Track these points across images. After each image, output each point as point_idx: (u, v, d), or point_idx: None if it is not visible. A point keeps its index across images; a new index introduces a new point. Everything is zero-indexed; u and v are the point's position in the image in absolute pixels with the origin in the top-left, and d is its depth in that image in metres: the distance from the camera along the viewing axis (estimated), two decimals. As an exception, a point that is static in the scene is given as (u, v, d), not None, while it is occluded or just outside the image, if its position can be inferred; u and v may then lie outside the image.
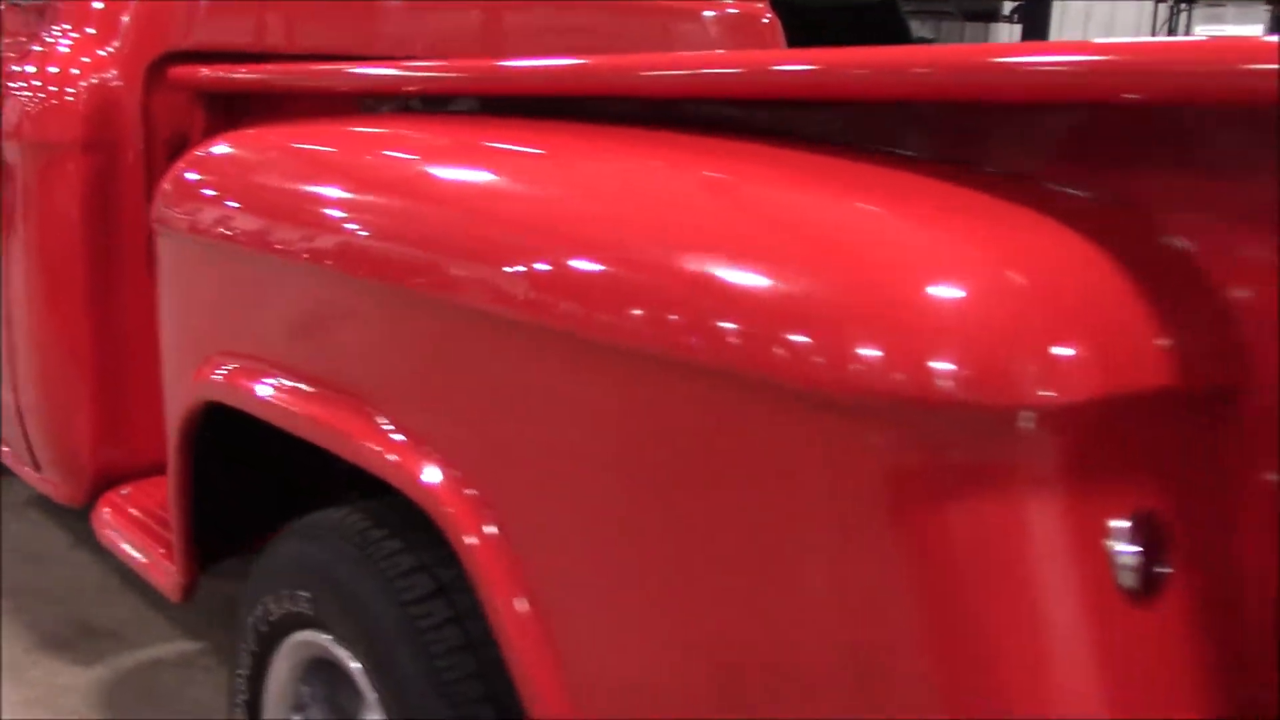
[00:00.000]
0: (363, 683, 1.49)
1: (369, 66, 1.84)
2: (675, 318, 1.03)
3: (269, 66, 2.14)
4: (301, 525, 1.62)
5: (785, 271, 0.99)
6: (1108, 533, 0.93)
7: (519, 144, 1.38)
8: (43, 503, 3.37)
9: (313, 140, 1.64)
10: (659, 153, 1.23)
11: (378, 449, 1.39)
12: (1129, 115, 1.03)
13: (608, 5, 3.00)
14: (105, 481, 2.38)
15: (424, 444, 1.35)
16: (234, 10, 2.43)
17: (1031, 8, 12.67)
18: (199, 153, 1.77)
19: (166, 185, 1.81)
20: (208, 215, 1.67)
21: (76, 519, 2.99)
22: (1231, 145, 0.98)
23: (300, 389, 1.52)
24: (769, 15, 3.23)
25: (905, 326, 0.92)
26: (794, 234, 1.02)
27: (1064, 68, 0.96)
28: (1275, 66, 0.83)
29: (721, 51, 1.22)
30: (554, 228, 1.17)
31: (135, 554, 2.10)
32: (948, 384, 0.90)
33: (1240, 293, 0.97)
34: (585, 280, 1.12)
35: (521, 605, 1.24)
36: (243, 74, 2.11)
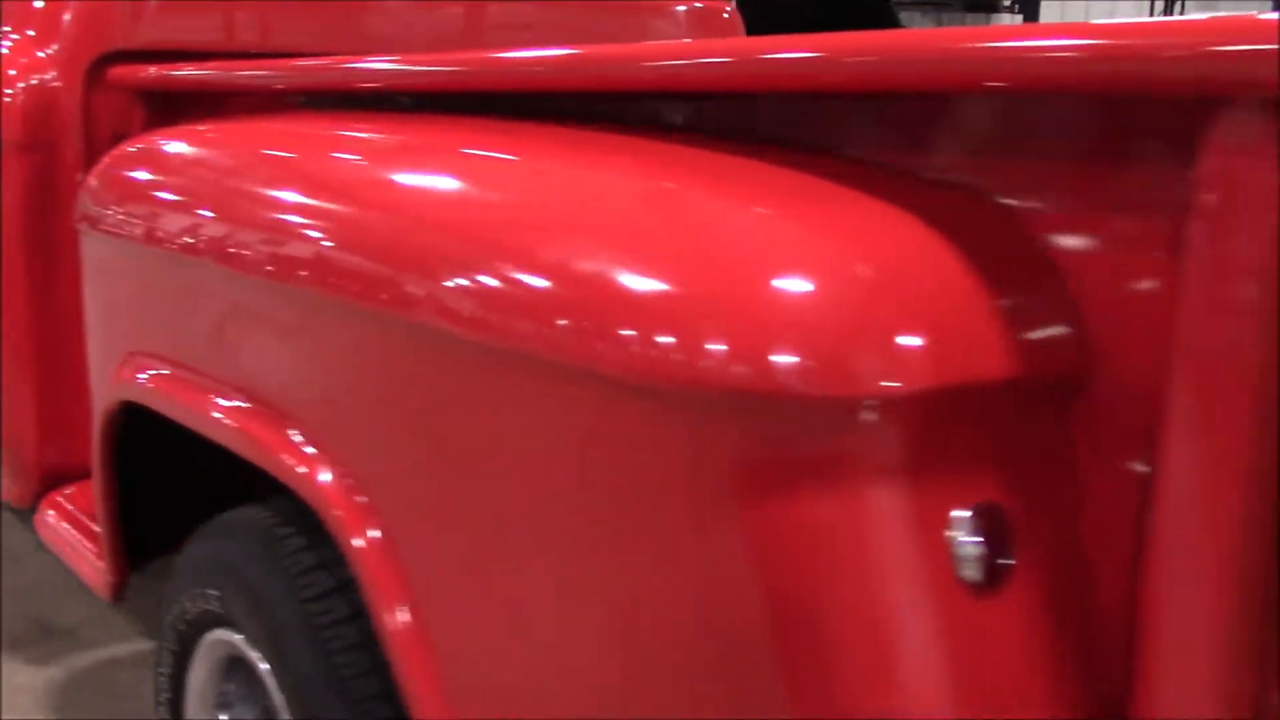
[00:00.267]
0: (270, 683, 1.49)
1: (299, 63, 1.84)
2: (535, 317, 1.02)
3: (202, 65, 2.14)
4: (214, 524, 1.62)
5: (634, 266, 0.98)
6: (949, 524, 0.92)
7: (426, 141, 1.38)
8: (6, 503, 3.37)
9: (224, 139, 1.63)
10: (519, 148, 1.22)
11: (271, 448, 1.39)
12: (978, 103, 1.02)
13: (582, 3, 2.99)
14: (51, 482, 2.38)
15: (315, 444, 1.35)
16: (182, 10, 2.43)
17: (1030, -2, 12.64)
18: (116, 153, 1.77)
19: (86, 184, 1.81)
20: (118, 214, 1.67)
21: (37, 519, 2.99)
22: (1080, 133, 0.97)
23: (202, 387, 1.52)
24: (729, 9, 3.22)
25: (747, 320, 0.91)
26: (643, 227, 1.01)
27: (913, 56, 0.95)
28: (1122, 51, 0.82)
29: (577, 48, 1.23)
30: (424, 230, 1.16)
31: (72, 553, 2.10)
32: (789, 377, 0.90)
33: (1089, 281, 0.96)
34: (451, 282, 1.11)
35: (403, 607, 1.24)
36: (176, 73, 2.10)
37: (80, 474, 2.39)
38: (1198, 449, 0.82)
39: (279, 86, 1.97)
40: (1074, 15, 12.58)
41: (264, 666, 1.50)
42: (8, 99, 2.23)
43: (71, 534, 2.14)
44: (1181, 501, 0.83)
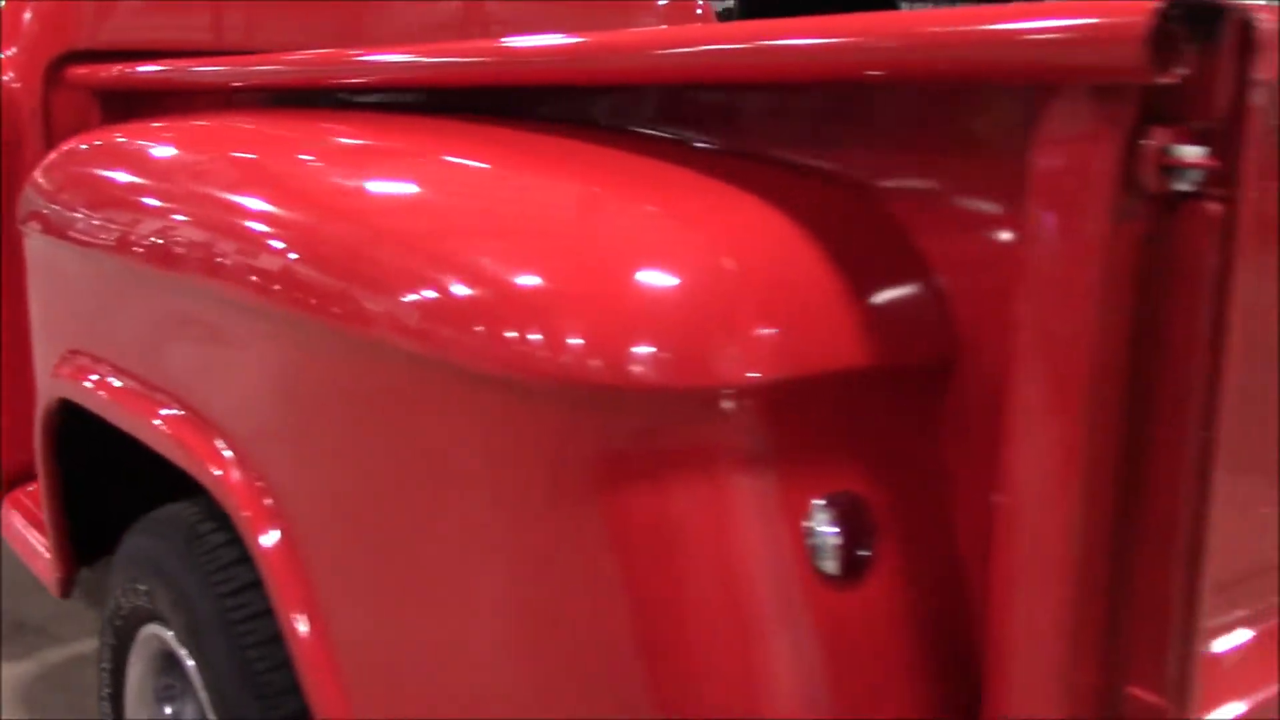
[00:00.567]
0: (194, 678, 1.50)
1: (244, 62, 1.84)
2: (407, 316, 1.03)
3: (153, 63, 2.15)
4: (145, 521, 1.63)
5: (502, 262, 0.98)
6: (806, 515, 0.92)
7: (342, 137, 1.38)
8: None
9: (155, 138, 1.64)
10: (395, 142, 1.23)
11: (190, 449, 1.39)
12: (842, 91, 1.01)
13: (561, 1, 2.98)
14: (18, 478, 2.39)
15: (231, 445, 1.35)
16: (144, 10, 2.44)
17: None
18: (55, 153, 1.78)
19: (29, 183, 1.82)
20: (50, 214, 1.69)
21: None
22: (938, 121, 0.96)
23: (125, 384, 1.53)
24: (701, 6, 3.22)
25: (604, 314, 0.91)
26: (509, 222, 1.01)
27: (775, 48, 0.95)
28: (968, 38, 0.82)
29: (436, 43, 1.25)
30: (306, 231, 1.16)
31: (27, 549, 2.12)
32: (645, 369, 0.90)
33: (953, 269, 0.96)
34: (330, 283, 1.11)
35: (303, 605, 1.24)
36: (128, 71, 2.11)
37: (43, 471, 2.41)
38: (1032, 438, 0.82)
39: (225, 85, 1.98)
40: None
41: (190, 663, 1.51)
42: (-34, 99, 2.25)
43: (28, 530, 2.16)
44: (1020, 486, 0.83)
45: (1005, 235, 0.91)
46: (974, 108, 0.92)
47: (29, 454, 2.39)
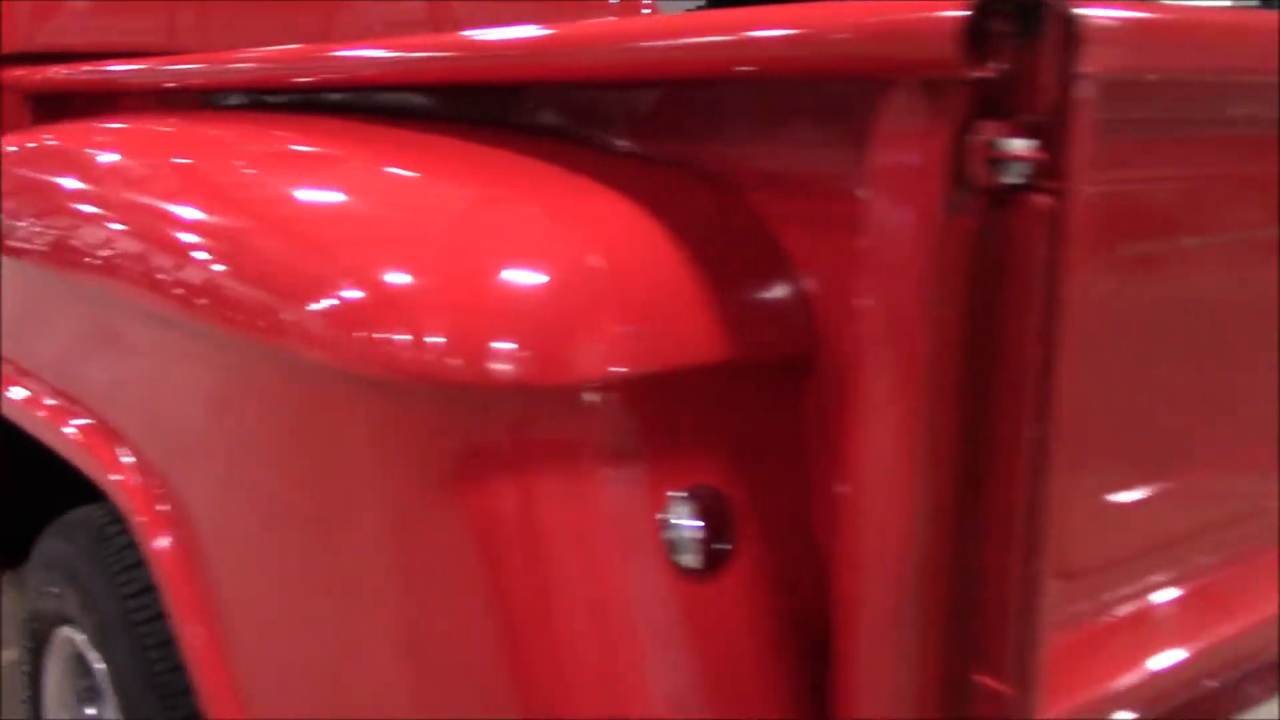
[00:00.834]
0: (102, 679, 1.50)
1: (169, 62, 1.84)
2: (277, 315, 1.03)
3: (75, 65, 2.14)
4: (57, 524, 1.63)
5: (371, 263, 0.98)
6: (666, 509, 0.93)
7: (249, 141, 1.38)
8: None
9: (71, 142, 1.64)
10: (278, 145, 1.23)
11: (90, 453, 1.39)
12: (710, 88, 1.02)
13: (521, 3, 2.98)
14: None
15: (133, 450, 1.35)
16: (83, 11, 2.43)
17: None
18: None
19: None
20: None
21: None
22: (803, 119, 0.97)
23: (28, 387, 1.53)
24: (649, 5, 3.23)
25: (466, 312, 0.92)
26: (377, 222, 1.02)
27: (638, 45, 0.96)
28: (842, 37, 0.82)
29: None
30: (182, 230, 1.17)
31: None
32: (505, 365, 0.90)
33: (815, 266, 0.96)
34: (214, 284, 1.11)
35: (194, 611, 1.24)
36: (56, 74, 2.11)
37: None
38: (871, 429, 0.82)
39: (152, 86, 1.98)
40: None
41: (100, 667, 1.51)
42: (-104, 105, 2.23)
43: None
44: (860, 477, 0.83)
45: (855, 230, 0.92)
46: (830, 104, 0.93)
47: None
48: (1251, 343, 1.01)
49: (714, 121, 1.03)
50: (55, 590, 1.57)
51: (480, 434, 0.93)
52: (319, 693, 1.14)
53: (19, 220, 1.54)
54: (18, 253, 1.50)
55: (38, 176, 1.55)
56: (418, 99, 1.36)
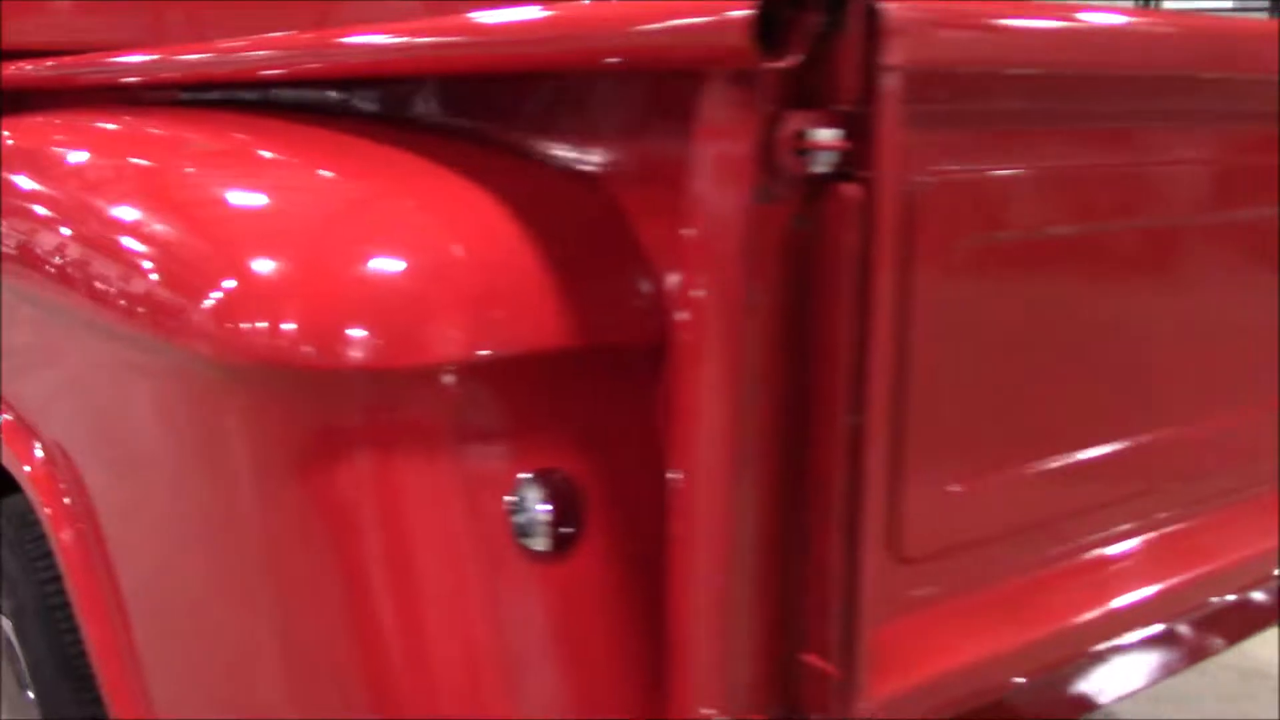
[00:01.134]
0: (22, 665, 1.53)
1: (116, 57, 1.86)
2: (140, 303, 1.05)
3: (38, 61, 2.17)
4: (-6, 512, 1.65)
5: (232, 253, 1.00)
6: (513, 492, 0.94)
7: (144, 137, 1.41)
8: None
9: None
10: (154, 141, 1.26)
11: (7, 446, 1.42)
12: (567, 81, 1.04)
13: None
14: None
15: (43, 444, 1.37)
16: (38, 9, 2.45)
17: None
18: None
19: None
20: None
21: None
22: (652, 112, 0.98)
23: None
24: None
25: (314, 298, 0.93)
26: (237, 213, 1.04)
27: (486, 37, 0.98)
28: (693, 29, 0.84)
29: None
30: (70, 222, 1.19)
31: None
32: (354, 350, 0.92)
33: (664, 256, 0.98)
34: (99, 275, 1.13)
35: (94, 603, 1.26)
36: (20, 69, 2.14)
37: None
38: (695, 415, 0.84)
39: (87, 82, 2.00)
40: None
41: (20, 651, 1.53)
42: None
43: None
44: (686, 462, 0.85)
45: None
46: (671, 98, 0.95)
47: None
48: (1098, 334, 1.03)
49: (578, 115, 1.05)
50: (-13, 578, 1.60)
51: (335, 419, 0.95)
52: (210, 685, 1.16)
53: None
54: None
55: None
56: (329, 94, 1.38)
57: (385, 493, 0.94)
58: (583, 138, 1.04)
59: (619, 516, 0.98)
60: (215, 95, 1.64)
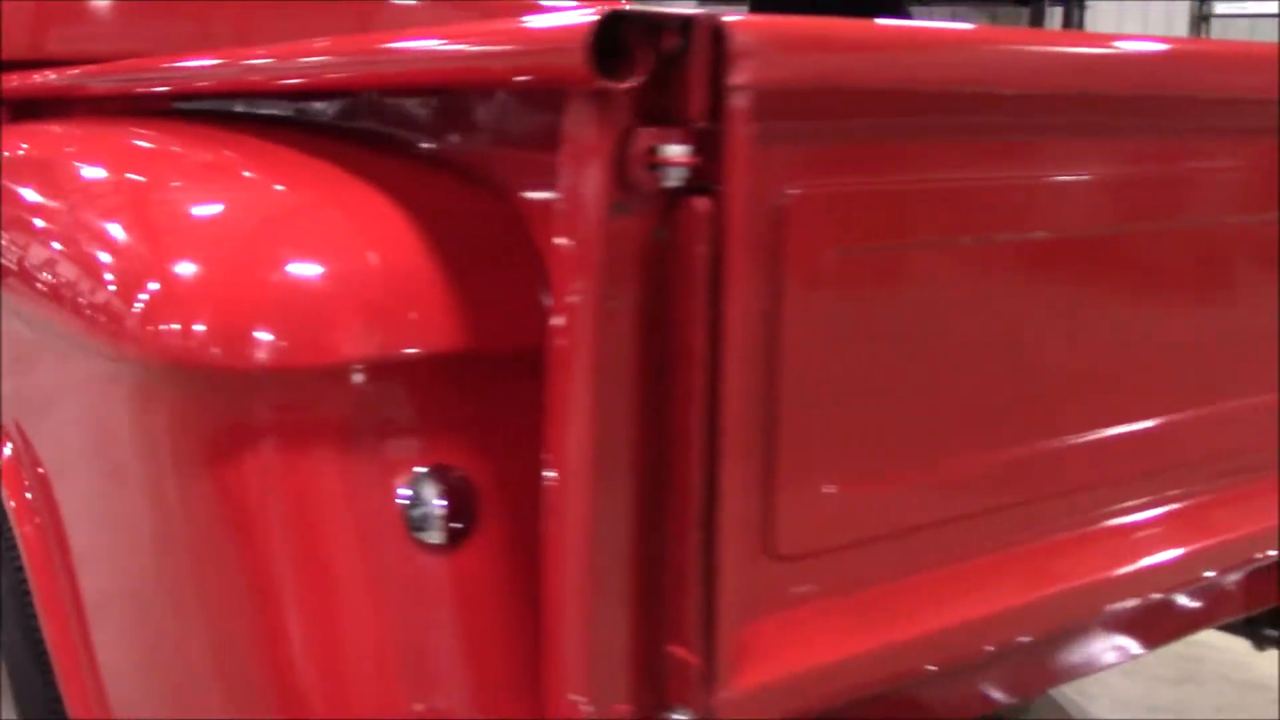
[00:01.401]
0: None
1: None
2: (67, 301, 1.11)
3: (42, 72, 2.25)
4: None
5: (150, 255, 1.06)
6: (406, 486, 0.99)
7: (97, 144, 1.47)
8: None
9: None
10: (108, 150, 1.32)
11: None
12: (471, 94, 1.08)
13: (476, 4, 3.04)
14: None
15: (11, 440, 1.44)
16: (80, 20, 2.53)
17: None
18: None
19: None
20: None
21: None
22: (547, 125, 1.03)
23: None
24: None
25: (222, 300, 0.99)
26: (166, 221, 1.10)
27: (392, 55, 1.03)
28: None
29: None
30: (20, 224, 1.26)
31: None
32: (256, 351, 0.97)
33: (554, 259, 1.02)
34: (38, 275, 1.20)
35: (52, 600, 1.32)
36: (26, 80, 2.22)
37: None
38: (560, 419, 0.88)
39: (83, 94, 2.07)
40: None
41: None
42: None
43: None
44: (554, 463, 0.89)
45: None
46: (550, 113, 0.99)
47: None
48: (970, 342, 1.05)
49: (485, 129, 1.10)
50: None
51: (245, 418, 1.00)
52: (156, 684, 1.20)
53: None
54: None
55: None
56: (271, 107, 1.45)
57: (289, 488, 0.99)
58: (490, 150, 1.08)
59: (510, 513, 1.02)
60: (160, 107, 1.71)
